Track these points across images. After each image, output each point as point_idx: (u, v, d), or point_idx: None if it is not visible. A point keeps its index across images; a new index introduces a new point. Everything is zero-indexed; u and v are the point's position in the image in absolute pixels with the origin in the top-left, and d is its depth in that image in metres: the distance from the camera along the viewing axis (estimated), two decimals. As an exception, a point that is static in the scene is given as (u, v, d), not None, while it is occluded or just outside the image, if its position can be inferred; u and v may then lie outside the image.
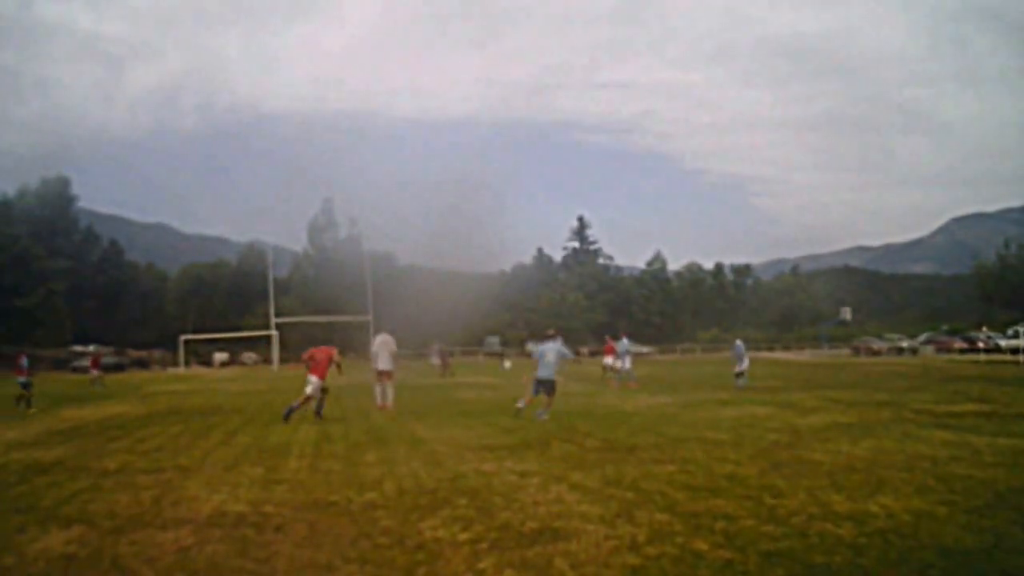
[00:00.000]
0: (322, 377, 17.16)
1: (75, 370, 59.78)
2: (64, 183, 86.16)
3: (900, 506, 7.25)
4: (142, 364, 68.89)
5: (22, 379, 23.70)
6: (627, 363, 28.43)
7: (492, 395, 23.19)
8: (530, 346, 21.23)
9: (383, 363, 19.98)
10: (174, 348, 69.24)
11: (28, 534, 6.98)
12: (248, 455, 11.58)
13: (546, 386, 16.51)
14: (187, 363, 67.09)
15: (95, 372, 37.95)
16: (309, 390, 16.98)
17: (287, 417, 16.35)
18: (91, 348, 65.91)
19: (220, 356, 73.75)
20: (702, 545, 6.09)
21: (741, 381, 24.89)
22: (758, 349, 74.41)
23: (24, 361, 24.51)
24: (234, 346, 76.63)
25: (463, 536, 6.53)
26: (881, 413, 15.83)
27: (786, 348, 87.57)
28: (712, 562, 5.69)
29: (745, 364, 25.39)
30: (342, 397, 21.65)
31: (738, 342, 26.40)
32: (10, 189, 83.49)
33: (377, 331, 21.60)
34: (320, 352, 17.76)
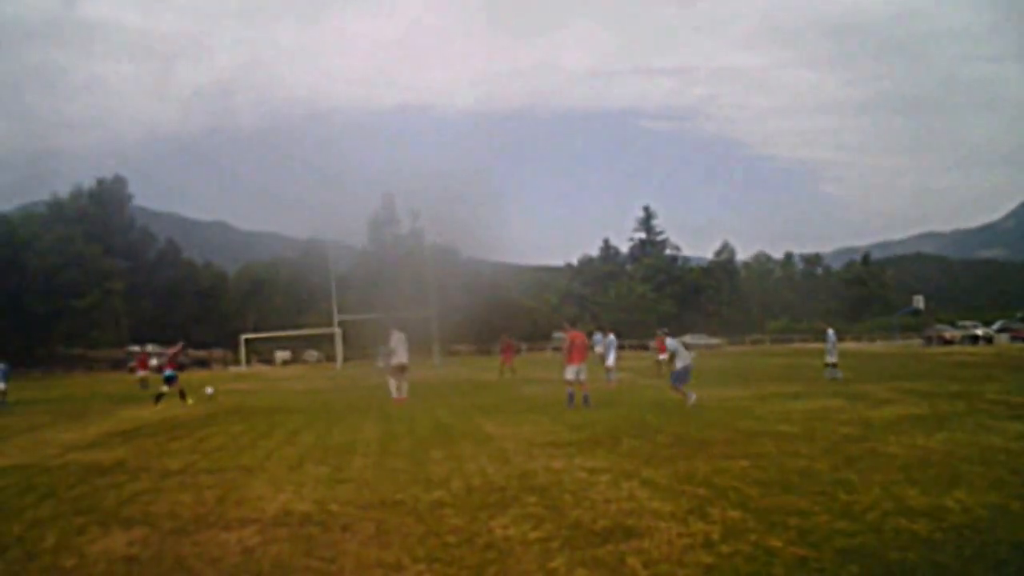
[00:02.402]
0: (582, 362, 18.25)
1: (132, 370, 61.20)
2: (120, 183, 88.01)
3: (975, 501, 7.18)
4: (203, 363, 70.18)
5: (169, 372, 24.83)
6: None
7: (560, 391, 23.12)
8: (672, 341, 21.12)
9: (401, 358, 21.05)
10: (234, 347, 70.49)
11: (89, 535, 7.17)
12: (312, 454, 11.77)
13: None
14: (248, 362, 68.23)
15: (141, 372, 38.59)
16: (573, 376, 18.12)
17: (570, 403, 17.81)
18: (149, 348, 67.35)
19: (282, 354, 74.90)
20: (776, 542, 6.07)
21: (829, 372, 24.64)
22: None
23: (151, 360, 25.66)
24: (296, 344, 77.73)
25: (533, 534, 6.57)
26: (955, 404, 15.63)
27: (857, 338, 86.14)
28: (786, 559, 5.67)
29: (834, 356, 25.15)
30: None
31: (830, 331, 26.19)
32: (64, 189, 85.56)
33: (387, 329, 22.17)
34: (578, 337, 18.79)
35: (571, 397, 18.02)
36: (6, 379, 28.07)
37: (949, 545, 5.87)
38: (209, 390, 25.93)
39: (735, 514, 6.99)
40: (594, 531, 6.60)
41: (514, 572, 5.69)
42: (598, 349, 38.59)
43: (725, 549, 5.96)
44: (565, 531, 6.62)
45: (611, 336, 28.46)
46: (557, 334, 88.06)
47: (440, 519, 7.24)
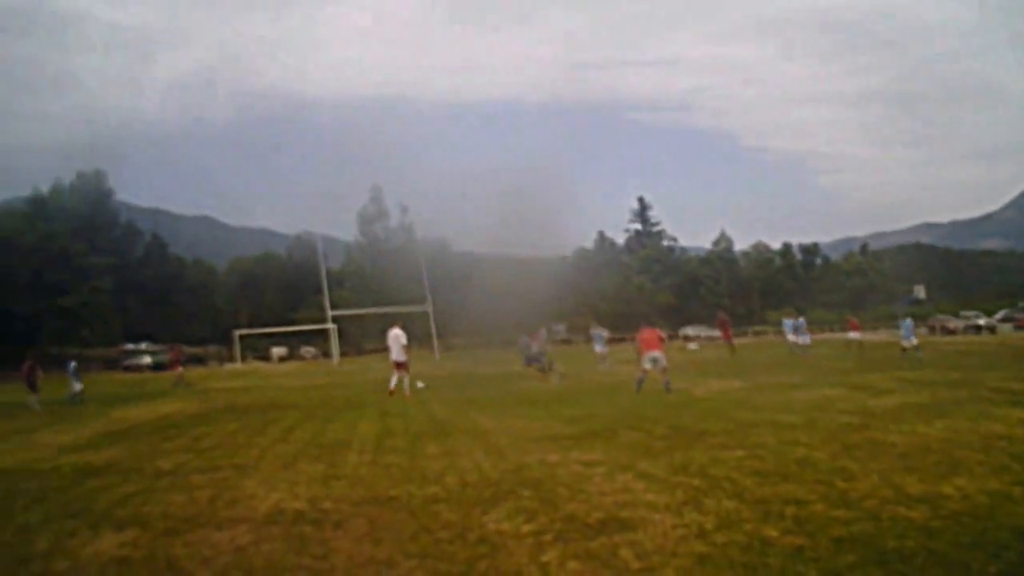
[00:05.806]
0: (659, 349, 19.65)
1: (127, 369, 61.09)
2: (101, 177, 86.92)
3: (975, 487, 7.20)
4: (198, 360, 69.98)
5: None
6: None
7: (556, 384, 23.22)
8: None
9: (396, 355, 21.74)
10: (227, 343, 70.43)
11: (81, 538, 7.20)
12: (307, 451, 11.82)
13: None
14: (244, 358, 68.18)
15: (180, 369, 37.48)
16: (652, 366, 19.45)
17: (639, 387, 19.08)
18: (143, 345, 67.21)
19: (278, 351, 74.90)
20: (772, 531, 6.13)
21: (919, 353, 28.56)
22: (832, 330, 73.91)
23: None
24: (291, 340, 77.70)
25: (526, 528, 6.64)
26: (956, 392, 15.63)
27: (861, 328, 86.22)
28: (782, 549, 5.73)
29: (913, 340, 29.61)
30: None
31: (908, 320, 31.25)
32: (44, 185, 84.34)
33: (391, 325, 22.61)
34: (649, 333, 20.07)
35: (640, 383, 19.14)
36: (78, 377, 28.56)
37: (947, 532, 5.90)
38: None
39: (730, 504, 7.04)
40: (588, 524, 6.65)
41: (506, 566, 5.75)
42: (791, 338, 38.91)
43: (719, 539, 6.01)
44: (558, 524, 6.68)
45: (800, 319, 32.26)
46: (556, 326, 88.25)
47: (433, 515, 7.30)
